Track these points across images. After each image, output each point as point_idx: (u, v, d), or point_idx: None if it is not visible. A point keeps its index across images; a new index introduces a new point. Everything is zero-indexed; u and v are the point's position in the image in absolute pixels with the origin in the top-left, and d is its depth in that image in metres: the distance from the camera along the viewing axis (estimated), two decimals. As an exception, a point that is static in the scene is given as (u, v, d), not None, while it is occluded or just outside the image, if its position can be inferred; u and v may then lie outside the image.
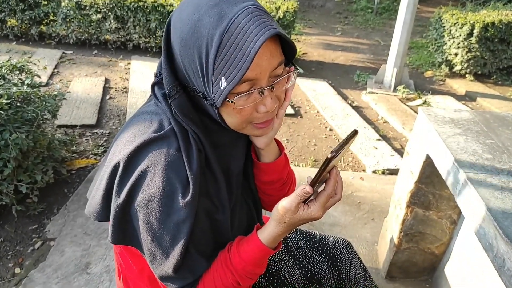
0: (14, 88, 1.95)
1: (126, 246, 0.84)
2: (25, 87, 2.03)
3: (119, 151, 0.73)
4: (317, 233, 1.22)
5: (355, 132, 0.72)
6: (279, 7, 4.21)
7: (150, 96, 0.80)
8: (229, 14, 0.62)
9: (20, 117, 1.94)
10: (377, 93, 3.95)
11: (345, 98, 3.87)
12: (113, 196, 0.73)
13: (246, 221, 0.93)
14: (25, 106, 2.03)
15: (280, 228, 0.75)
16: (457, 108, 3.70)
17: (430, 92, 4.01)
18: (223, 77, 0.63)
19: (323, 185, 0.78)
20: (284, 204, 0.73)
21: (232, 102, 0.66)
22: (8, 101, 1.85)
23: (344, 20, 7.07)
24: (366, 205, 2.32)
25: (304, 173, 2.50)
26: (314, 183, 0.72)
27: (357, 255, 1.21)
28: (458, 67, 4.31)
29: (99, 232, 1.96)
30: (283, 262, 1.13)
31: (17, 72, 2.20)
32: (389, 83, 4.00)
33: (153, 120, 0.74)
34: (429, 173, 1.48)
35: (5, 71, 2.12)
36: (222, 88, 0.63)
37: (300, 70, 4.54)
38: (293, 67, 0.74)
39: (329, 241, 1.20)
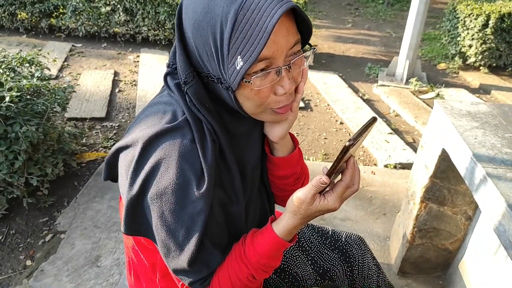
0: (24, 80, 1.95)
1: (138, 240, 0.82)
2: (35, 79, 2.03)
3: None
4: (329, 229, 1.20)
5: (374, 119, 0.69)
6: (289, -2, 4.16)
7: (163, 87, 0.78)
8: None
9: (30, 109, 1.94)
10: (388, 86, 3.88)
11: (356, 91, 3.81)
12: (127, 187, 0.71)
13: (259, 215, 0.91)
14: (35, 98, 2.03)
15: (295, 220, 0.73)
16: (473, 101, 3.63)
17: (443, 85, 3.93)
18: (239, 56, 0.60)
19: (340, 176, 0.75)
20: (299, 195, 0.71)
21: (249, 82, 0.63)
22: (18, 94, 1.85)
23: (354, 11, 6.96)
24: (377, 200, 2.29)
25: (314, 166, 2.47)
26: (330, 173, 0.69)
27: (370, 251, 1.19)
28: (472, 59, 4.21)
29: (109, 225, 1.96)
30: (294, 258, 1.11)
31: (27, 64, 2.19)
32: (401, 76, 3.92)
33: (167, 110, 0.72)
34: (444, 167, 1.44)
35: (15, 63, 2.12)
36: (238, 68, 0.61)
37: (310, 63, 4.48)
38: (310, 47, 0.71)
39: (342, 236, 1.18)
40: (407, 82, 3.88)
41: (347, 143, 0.65)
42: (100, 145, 2.66)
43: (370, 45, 5.25)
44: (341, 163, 0.69)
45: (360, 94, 3.73)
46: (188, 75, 0.68)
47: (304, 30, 0.69)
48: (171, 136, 0.68)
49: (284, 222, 0.74)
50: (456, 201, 1.52)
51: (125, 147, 0.72)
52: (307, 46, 0.75)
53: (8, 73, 1.99)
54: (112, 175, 0.83)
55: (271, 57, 0.63)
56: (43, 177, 2.03)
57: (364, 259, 1.14)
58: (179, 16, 0.68)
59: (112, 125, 2.95)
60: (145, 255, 0.85)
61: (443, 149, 1.37)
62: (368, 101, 3.61)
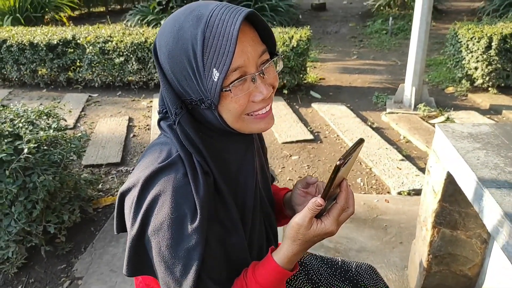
0: (42, 132, 2.06)
1: (145, 278, 0.84)
2: (51, 131, 2.13)
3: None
4: (338, 259, 1.19)
5: (361, 140, 0.73)
6: (292, 36, 4.31)
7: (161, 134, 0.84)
8: (206, 12, 0.67)
9: (47, 159, 2.03)
10: (397, 113, 3.90)
11: (364, 120, 3.84)
12: (129, 227, 0.74)
13: (263, 242, 0.91)
14: (52, 149, 2.13)
15: (295, 246, 0.74)
16: (477, 122, 3.59)
17: (452, 108, 3.92)
18: (214, 69, 0.66)
19: (334, 202, 0.76)
20: (297, 220, 0.72)
21: (228, 91, 0.68)
22: (36, 145, 1.95)
23: (359, 43, 7.11)
24: (393, 228, 2.25)
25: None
26: (325, 195, 0.71)
27: (383, 281, 1.17)
28: (479, 81, 4.22)
29: (124, 269, 1.97)
30: (303, 291, 1.10)
31: (45, 117, 2.32)
32: (408, 102, 3.95)
33: (162, 150, 0.76)
34: (452, 191, 1.43)
35: (34, 117, 2.25)
36: (215, 79, 0.66)
37: (317, 95, 4.56)
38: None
39: (352, 266, 1.17)
40: (415, 108, 3.89)
41: (338, 162, 0.67)
42: (115, 190, 2.73)
43: (376, 74, 5.32)
44: (334, 185, 0.70)
45: (369, 123, 3.75)
46: (177, 106, 0.73)
47: (269, 42, 0.75)
48: (165, 173, 0.72)
49: (284, 250, 0.75)
50: (468, 225, 1.50)
51: (128, 190, 0.76)
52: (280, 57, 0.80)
53: (27, 126, 2.11)
54: (123, 225, 0.83)
55: (243, 65, 0.69)
56: (60, 224, 2.09)
57: (376, 288, 1.12)
58: (155, 55, 0.74)
59: (127, 169, 3.03)
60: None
61: (448, 172, 1.37)
62: (377, 129, 3.62)
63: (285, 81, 4.37)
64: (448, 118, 3.71)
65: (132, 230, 0.73)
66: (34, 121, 2.24)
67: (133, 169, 3.00)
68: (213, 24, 0.66)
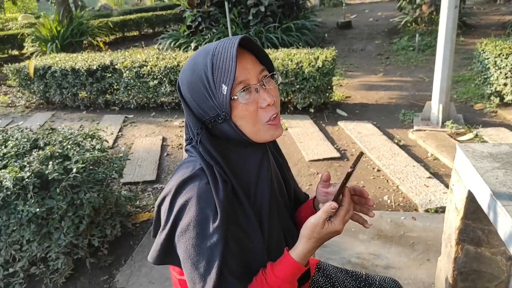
0: (88, 153, 2.26)
1: (181, 273, 0.96)
2: (96, 152, 2.33)
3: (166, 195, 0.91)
4: (363, 273, 1.28)
5: (361, 154, 0.90)
6: (318, 57, 4.43)
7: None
8: (212, 46, 0.87)
9: (92, 178, 2.22)
10: (424, 130, 3.91)
11: (391, 137, 3.87)
12: (161, 228, 0.90)
13: (281, 245, 0.99)
14: (96, 168, 2.32)
15: (310, 243, 0.86)
16: (507, 139, 3.56)
17: (481, 125, 3.90)
18: (223, 84, 0.83)
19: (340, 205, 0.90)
20: (313, 220, 0.85)
21: (236, 98, 0.85)
22: (83, 165, 2.14)
23: (385, 61, 7.15)
24: (420, 246, 2.28)
25: (353, 215, 2.52)
26: (336, 198, 0.86)
27: (406, 295, 1.23)
28: (509, 97, 4.17)
29: (162, 280, 2.11)
30: (329, 301, 1.19)
31: (89, 139, 2.53)
32: (436, 120, 3.96)
33: (188, 166, 0.91)
34: (474, 208, 1.48)
35: (80, 139, 2.46)
36: (225, 92, 0.83)
37: (343, 113, 4.64)
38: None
39: (376, 280, 1.25)
40: (443, 125, 3.89)
41: (350, 170, 0.84)
42: (151, 206, 2.89)
43: (403, 91, 5.34)
44: (345, 189, 0.87)
45: (396, 141, 3.78)
46: (198, 127, 0.89)
47: (267, 65, 0.93)
48: (191, 182, 0.87)
49: (300, 247, 0.87)
50: (492, 242, 1.54)
51: (162, 199, 0.92)
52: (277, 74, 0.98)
53: (74, 148, 2.32)
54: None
55: (246, 79, 0.86)
56: (103, 238, 2.26)
57: (399, 301, 1.19)
58: (179, 90, 0.93)
59: (162, 186, 3.21)
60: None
61: (469, 190, 1.43)
62: (404, 147, 3.65)
63: (311, 100, 4.48)
64: (476, 135, 3.69)
65: (164, 230, 0.89)
66: (80, 143, 2.46)
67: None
68: (218, 53, 0.84)
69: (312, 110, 4.57)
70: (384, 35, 9.06)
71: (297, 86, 4.38)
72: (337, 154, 3.58)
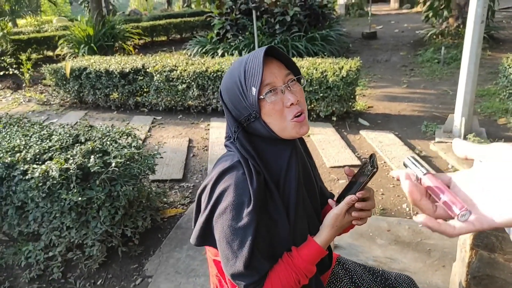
0: (125, 149, 2.43)
1: (220, 267, 1.10)
2: (132, 148, 2.51)
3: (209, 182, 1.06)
4: (380, 269, 1.38)
5: (373, 155, 0.98)
6: (342, 67, 4.54)
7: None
8: (245, 57, 1.01)
9: (128, 172, 2.40)
10: (446, 142, 3.95)
11: (412, 148, 3.93)
12: (201, 212, 1.04)
13: (305, 233, 1.09)
14: (131, 164, 2.50)
15: (332, 231, 1.00)
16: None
17: (503, 140, 3.91)
18: (252, 87, 0.96)
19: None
20: (336, 211, 0.99)
21: (264, 98, 0.97)
22: (121, 160, 2.32)
23: (410, 72, 7.17)
24: (436, 252, 2.35)
25: (371, 220, 2.61)
26: (356, 192, 0.98)
27: (420, 291, 1.33)
28: (534, 113, 4.17)
29: (187, 271, 2.25)
30: (347, 290, 1.30)
31: (125, 136, 2.72)
32: (458, 132, 3.99)
33: (227, 159, 1.05)
34: (488, 215, 1.56)
35: (117, 136, 2.65)
36: (254, 94, 0.96)
37: (365, 123, 4.71)
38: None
39: (391, 276, 1.35)
40: (464, 138, 3.92)
41: (375, 170, 0.93)
42: (178, 203, 3.06)
43: (427, 103, 5.37)
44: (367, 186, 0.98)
45: (417, 151, 3.84)
46: (235, 126, 1.04)
47: (294, 70, 1.04)
48: (229, 172, 1.01)
49: (324, 234, 1.01)
50: (506, 248, 1.61)
51: (204, 187, 1.07)
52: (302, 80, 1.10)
53: (112, 144, 2.50)
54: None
55: (272, 82, 0.98)
56: (135, 229, 2.43)
57: (413, 297, 1.29)
58: (221, 97, 1.08)
59: (188, 185, 3.37)
60: (226, 280, 1.12)
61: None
62: (425, 158, 3.70)
63: (334, 108, 4.58)
64: (499, 149, 3.71)
65: (204, 213, 1.03)
66: (117, 139, 2.64)
67: (193, 186, 3.34)
68: (249, 61, 0.98)
69: (334, 118, 4.67)
70: (409, 47, 9.06)
71: (321, 95, 4.49)
72: (357, 162, 3.67)
